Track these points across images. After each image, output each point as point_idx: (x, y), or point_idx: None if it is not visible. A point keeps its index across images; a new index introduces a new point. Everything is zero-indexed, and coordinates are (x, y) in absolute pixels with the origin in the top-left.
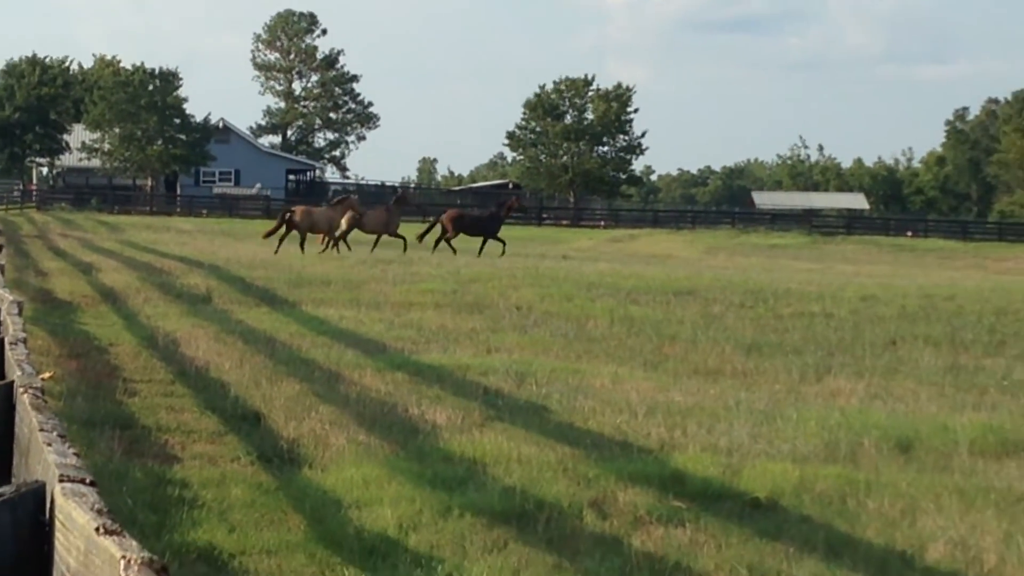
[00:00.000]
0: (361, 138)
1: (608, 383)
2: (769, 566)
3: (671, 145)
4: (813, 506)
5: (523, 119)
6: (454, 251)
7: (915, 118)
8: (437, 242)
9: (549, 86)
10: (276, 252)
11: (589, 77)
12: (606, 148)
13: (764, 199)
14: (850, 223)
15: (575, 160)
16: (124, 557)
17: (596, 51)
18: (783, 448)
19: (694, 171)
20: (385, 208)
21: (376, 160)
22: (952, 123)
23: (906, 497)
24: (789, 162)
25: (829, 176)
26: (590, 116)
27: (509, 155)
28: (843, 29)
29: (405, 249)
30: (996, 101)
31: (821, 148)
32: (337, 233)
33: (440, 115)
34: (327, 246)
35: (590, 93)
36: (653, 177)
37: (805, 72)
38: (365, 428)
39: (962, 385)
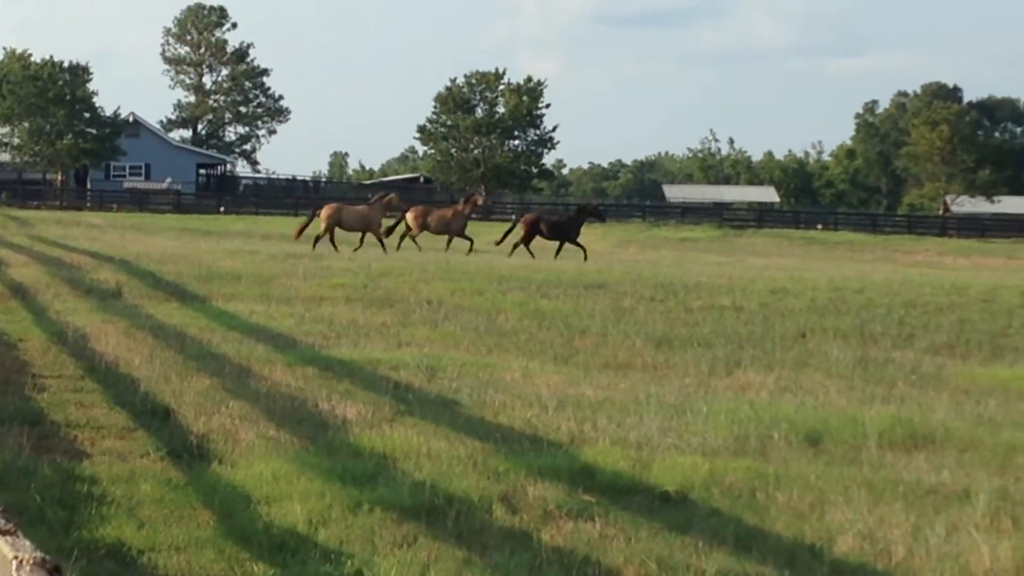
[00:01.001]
0: (272, 132)
1: (518, 377)
2: (678, 559)
3: (582, 139)
4: (722, 499)
5: (434, 113)
6: (532, 255)
7: (825, 111)
8: (515, 246)
9: (460, 80)
10: (314, 248)
11: (500, 71)
12: (517, 142)
13: (675, 192)
14: (760, 216)
15: (486, 154)
16: (16, 557)
17: (508, 45)
18: (693, 441)
19: (605, 164)
20: (453, 209)
21: (287, 154)
22: (862, 116)
23: (815, 490)
24: (700, 155)
25: (740, 169)
26: (501, 110)
27: (420, 149)
28: (754, 23)
29: (471, 249)
30: (905, 94)
31: (732, 141)
32: (400, 232)
33: (351, 109)
34: (362, 244)
35: (501, 87)
36: (564, 171)
37: (716, 65)
38: (275, 423)
39: (871, 378)
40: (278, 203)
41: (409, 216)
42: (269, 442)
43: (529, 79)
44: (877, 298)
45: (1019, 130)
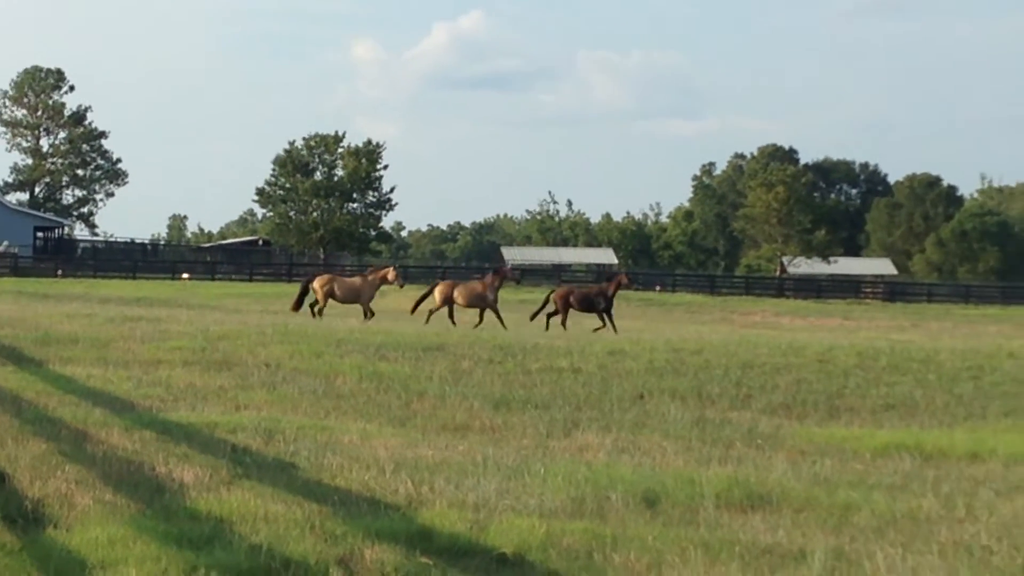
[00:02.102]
0: (110, 195)
1: (356, 439)
2: None
3: (421, 201)
4: (559, 561)
5: (273, 175)
6: (564, 327)
7: (663, 173)
8: (549, 317)
9: (299, 142)
10: (314, 316)
11: (340, 133)
12: (356, 204)
13: (514, 254)
14: (599, 278)
15: (325, 216)
16: None
17: (347, 107)
18: (530, 503)
19: (444, 227)
20: (480, 282)
21: (126, 217)
22: (699, 178)
23: (652, 551)
24: (538, 217)
25: (578, 231)
26: (340, 172)
27: (259, 211)
28: (593, 86)
29: (504, 326)
30: (742, 156)
31: (570, 203)
32: (434, 307)
33: (190, 171)
34: (368, 316)
35: (340, 149)
36: (404, 233)
37: (555, 128)
38: (111, 487)
39: (708, 438)
40: (116, 266)
41: (437, 291)
42: (105, 506)
43: (368, 142)
44: (715, 359)
45: (854, 191)
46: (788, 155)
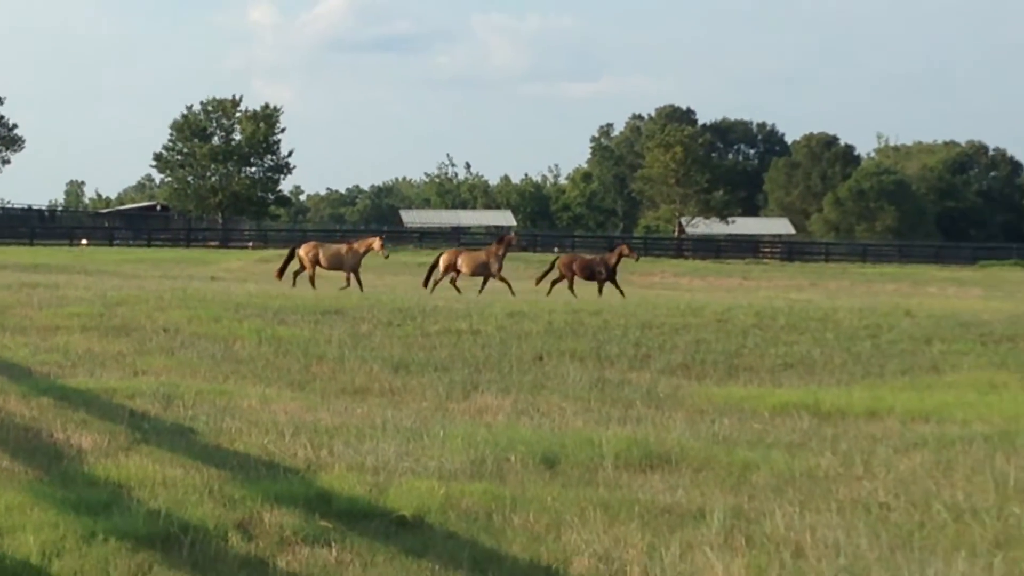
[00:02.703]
0: (6, 161)
1: (256, 404)
2: None
3: (320, 165)
4: (459, 523)
5: (170, 140)
6: (574, 294)
7: (562, 135)
8: (554, 284)
9: (196, 107)
10: (294, 284)
11: (237, 97)
12: (254, 169)
13: (412, 217)
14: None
15: (223, 181)
16: None
17: (244, 71)
18: (430, 465)
19: (343, 190)
20: (485, 250)
21: (23, 184)
22: (597, 140)
23: (551, 512)
24: (437, 180)
25: (477, 194)
26: (238, 137)
27: (157, 177)
28: (490, 48)
29: (512, 292)
30: (640, 117)
31: (469, 166)
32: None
33: (87, 137)
34: (348, 283)
35: (238, 114)
36: (302, 197)
37: (453, 91)
38: (8, 454)
39: (607, 399)
40: (13, 233)
41: (441, 259)
42: (2, 473)
43: (266, 106)
44: (613, 320)
45: (752, 151)
46: (686, 116)
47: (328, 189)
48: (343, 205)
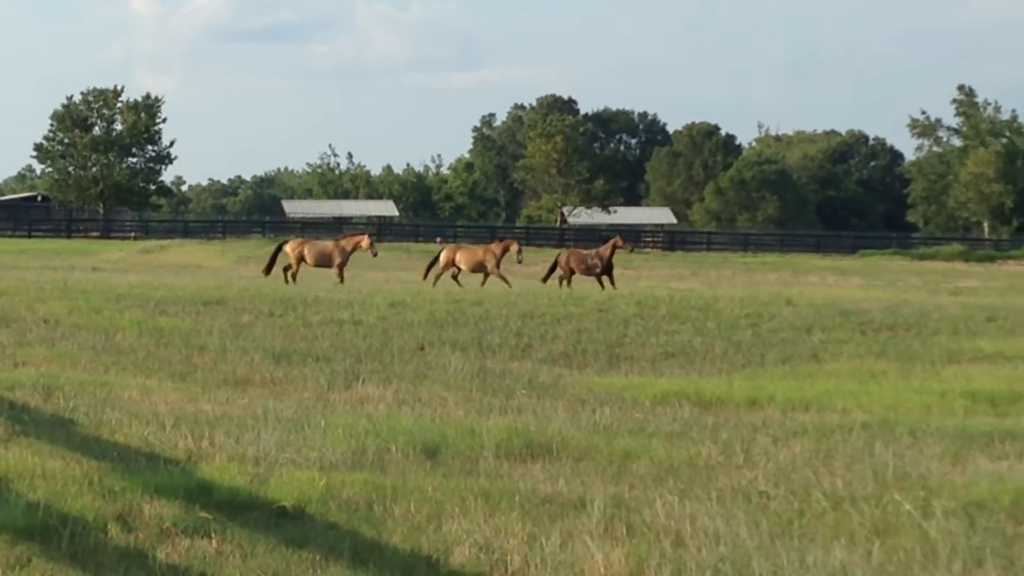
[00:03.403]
0: None
1: (136, 395)
2: (295, 574)
3: (201, 155)
4: (340, 513)
5: (51, 131)
6: (571, 288)
7: (444, 125)
8: (562, 281)
9: (77, 97)
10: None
11: (118, 88)
12: (136, 159)
13: (295, 208)
14: (380, 230)
15: (104, 172)
16: None
17: (125, 62)
18: (311, 456)
19: (224, 181)
20: (483, 248)
21: None
22: (479, 130)
23: (432, 502)
24: (319, 170)
25: (359, 184)
26: (119, 127)
27: (38, 167)
28: (372, 38)
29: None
30: (522, 107)
31: (351, 156)
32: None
33: None
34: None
35: (119, 104)
36: (184, 187)
37: (335, 81)
38: None
39: (489, 389)
40: None
41: (441, 255)
42: None
43: (147, 96)
44: (495, 310)
45: (633, 141)
46: (567, 105)
47: (210, 179)
48: (225, 195)
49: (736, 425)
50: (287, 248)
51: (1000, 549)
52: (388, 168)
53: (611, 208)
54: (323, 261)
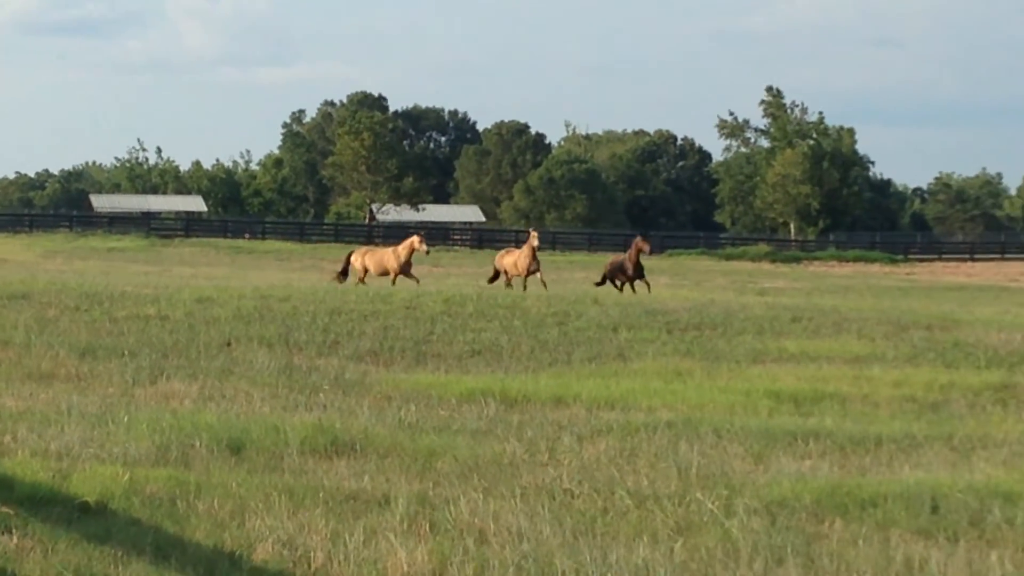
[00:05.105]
0: None
1: None
2: (97, 569)
3: (8, 148)
4: (143, 509)
5: None
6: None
7: (254, 121)
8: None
9: None
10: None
11: None
12: None
13: (103, 202)
14: (188, 226)
15: None
16: None
17: None
18: (114, 451)
19: (32, 174)
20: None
21: None
22: (289, 126)
23: (236, 497)
24: (128, 165)
25: (168, 179)
26: None
27: None
28: (182, 32)
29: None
30: (332, 104)
31: (160, 151)
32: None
33: None
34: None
35: None
36: None
37: (144, 75)
38: None
39: (295, 385)
40: None
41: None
42: None
43: None
44: (302, 306)
45: (443, 139)
46: (377, 102)
47: (17, 173)
48: (32, 189)
49: (541, 423)
50: (353, 261)
51: (801, 547)
52: (197, 163)
53: (420, 206)
54: (382, 270)
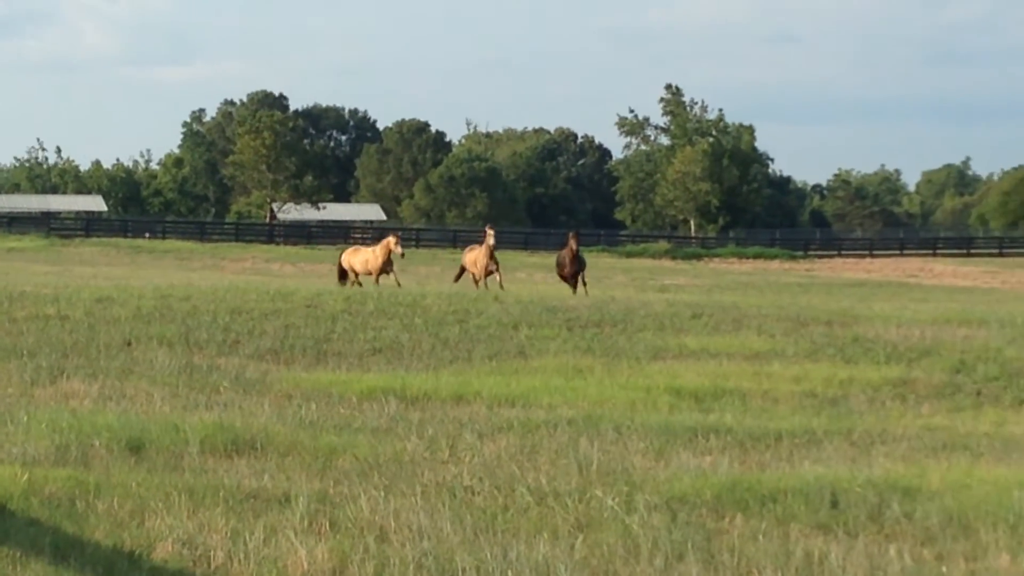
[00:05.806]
0: None
1: None
2: None
3: None
4: (42, 509)
5: None
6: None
7: (153, 120)
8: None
9: None
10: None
11: None
12: None
13: (1, 202)
14: (88, 225)
15: None
16: None
17: None
18: (12, 451)
19: None
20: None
21: None
22: (189, 125)
23: (135, 497)
24: (27, 165)
25: (68, 179)
26: None
27: None
28: (81, 31)
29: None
30: (232, 103)
31: (60, 150)
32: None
33: None
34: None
35: None
36: None
37: (43, 74)
38: None
39: (196, 384)
40: None
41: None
42: None
43: None
44: (203, 305)
45: (344, 138)
46: (278, 101)
47: None
48: None
49: (442, 420)
50: (342, 262)
51: (701, 543)
52: (97, 163)
53: (320, 204)
54: (366, 270)
